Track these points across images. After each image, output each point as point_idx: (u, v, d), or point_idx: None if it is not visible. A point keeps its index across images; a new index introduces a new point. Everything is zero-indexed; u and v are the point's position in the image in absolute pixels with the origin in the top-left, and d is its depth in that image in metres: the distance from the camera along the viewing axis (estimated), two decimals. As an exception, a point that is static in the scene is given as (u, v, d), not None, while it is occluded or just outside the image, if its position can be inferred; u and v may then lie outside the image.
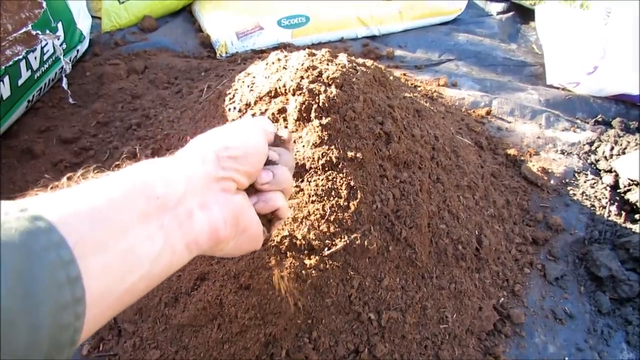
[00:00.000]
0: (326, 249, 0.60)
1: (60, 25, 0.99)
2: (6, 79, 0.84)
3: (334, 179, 0.62)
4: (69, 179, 0.34)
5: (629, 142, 1.05)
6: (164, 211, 0.34)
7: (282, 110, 0.65)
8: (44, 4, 0.90)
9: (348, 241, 0.60)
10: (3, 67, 0.81)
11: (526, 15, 1.54)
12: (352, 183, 0.62)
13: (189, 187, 0.37)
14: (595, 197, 0.93)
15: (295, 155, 0.63)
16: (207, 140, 0.40)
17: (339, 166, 0.62)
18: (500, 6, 1.57)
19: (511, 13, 1.54)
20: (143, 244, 0.32)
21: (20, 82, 0.88)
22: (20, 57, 0.85)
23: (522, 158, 0.98)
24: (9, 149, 0.88)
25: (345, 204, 0.61)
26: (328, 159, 0.62)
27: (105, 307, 0.30)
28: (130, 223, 0.32)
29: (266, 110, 0.66)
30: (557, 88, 1.24)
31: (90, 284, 0.28)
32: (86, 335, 0.29)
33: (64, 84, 1.00)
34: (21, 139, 0.91)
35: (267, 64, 0.73)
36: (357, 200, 0.61)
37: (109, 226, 0.31)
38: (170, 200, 0.35)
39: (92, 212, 0.30)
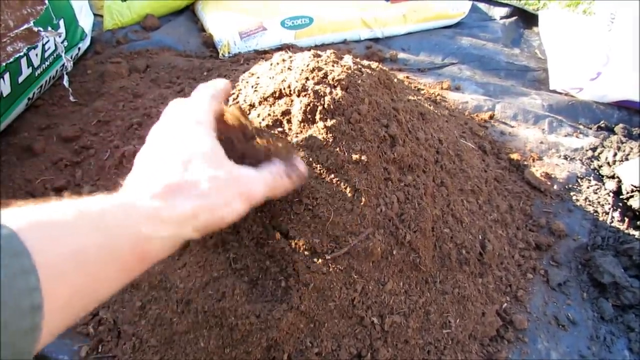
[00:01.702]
0: (330, 252, 0.60)
1: (62, 22, 0.98)
2: (6, 76, 0.83)
3: (338, 182, 0.61)
4: (46, 197, 0.35)
5: (631, 149, 1.05)
6: (142, 267, 0.37)
7: (287, 112, 0.64)
8: (46, 1, 0.89)
9: (352, 244, 0.60)
10: (4, 64, 0.81)
11: (529, 20, 1.54)
12: (356, 186, 0.61)
13: (173, 248, 0.40)
14: (598, 203, 0.92)
15: (301, 157, 0.63)
16: (185, 208, 0.40)
17: (344, 169, 0.61)
18: (504, 11, 1.57)
19: (514, 18, 1.54)
20: (111, 288, 0.36)
21: (20, 79, 0.87)
22: (22, 54, 0.85)
23: (525, 163, 0.98)
24: (8, 146, 0.88)
25: (350, 207, 0.61)
26: (332, 161, 0.61)
27: (62, 326, 0.33)
28: (109, 275, 0.34)
29: (269, 112, 0.65)
30: (560, 93, 1.24)
31: (51, 313, 0.30)
32: (45, 342, 0.31)
33: (65, 82, 0.99)
34: (21, 137, 0.90)
35: (271, 65, 0.73)
36: (362, 204, 0.61)
37: (87, 275, 0.32)
38: (153, 259, 0.38)
39: (75, 253, 0.31)
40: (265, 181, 0.47)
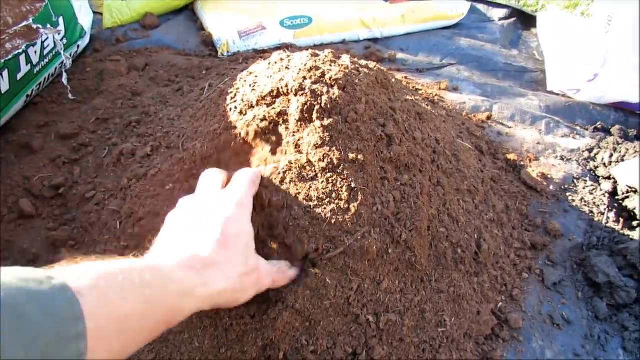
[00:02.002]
0: (326, 251, 0.60)
1: (61, 20, 0.99)
2: (5, 73, 0.83)
3: (335, 181, 0.61)
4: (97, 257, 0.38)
5: (627, 150, 1.05)
6: (167, 327, 0.40)
7: (284, 111, 0.65)
8: (46, -1, 0.90)
9: (348, 244, 0.60)
10: (2, 61, 0.81)
11: (528, 21, 1.55)
12: (353, 185, 0.61)
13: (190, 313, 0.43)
14: (594, 203, 0.93)
15: (298, 156, 0.63)
16: (218, 286, 0.44)
17: (340, 168, 0.62)
18: (503, 12, 1.57)
19: (513, 19, 1.55)
20: (139, 345, 0.38)
21: (19, 76, 0.88)
22: (20, 51, 0.85)
23: (522, 163, 0.98)
24: (7, 144, 0.88)
25: (346, 206, 0.61)
26: (329, 160, 0.62)
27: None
28: (140, 341, 0.37)
29: (267, 111, 0.66)
30: (558, 94, 1.24)
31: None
32: None
33: (64, 80, 0.99)
34: (19, 134, 0.90)
35: (269, 64, 0.73)
36: (358, 203, 0.61)
37: (126, 341, 0.35)
38: (174, 324, 0.41)
39: (120, 323, 0.35)
40: (272, 275, 0.53)
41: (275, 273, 0.54)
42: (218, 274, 0.44)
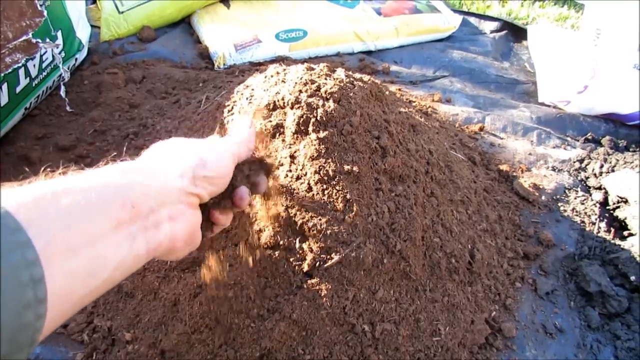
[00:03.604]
0: (322, 261, 0.61)
1: (59, 33, 1.00)
2: (4, 86, 0.84)
3: (330, 192, 0.63)
4: (46, 175, 0.34)
5: (617, 160, 1.08)
6: (136, 220, 0.35)
7: (280, 124, 0.66)
8: (45, 13, 0.91)
9: (343, 254, 0.61)
10: (2, 75, 0.82)
11: (519, 34, 1.58)
12: (348, 196, 0.63)
13: (163, 198, 0.38)
14: (585, 213, 0.95)
15: (294, 168, 0.64)
16: (185, 153, 0.42)
17: (336, 179, 0.63)
18: (494, 25, 1.60)
19: (504, 32, 1.58)
20: (111, 251, 0.33)
21: (18, 89, 0.89)
22: (20, 64, 0.86)
23: (514, 174, 1.00)
24: (5, 156, 0.88)
25: (341, 216, 0.62)
26: (325, 172, 0.63)
27: (66, 308, 0.31)
28: (102, 231, 0.32)
29: (264, 124, 0.67)
30: (549, 106, 1.27)
31: (54, 286, 0.28)
32: (45, 335, 0.29)
33: (62, 92, 1.00)
34: (18, 146, 0.91)
35: (265, 77, 0.74)
36: (353, 214, 0.62)
37: (81, 232, 0.31)
38: (144, 210, 0.36)
39: (66, 215, 0.30)
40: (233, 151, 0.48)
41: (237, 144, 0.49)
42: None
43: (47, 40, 0.93)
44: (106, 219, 0.33)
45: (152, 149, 0.43)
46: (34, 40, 0.88)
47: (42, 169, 0.36)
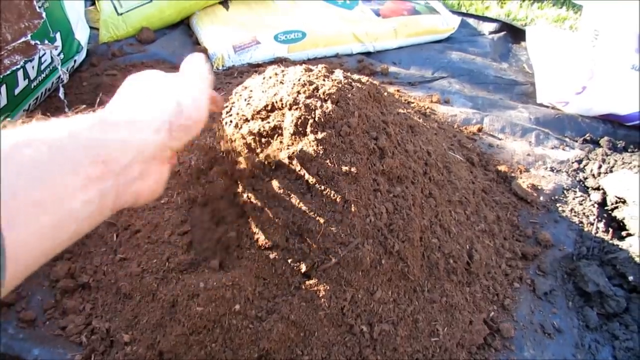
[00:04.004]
0: (320, 262, 0.61)
1: (58, 35, 1.00)
2: (3, 88, 0.84)
3: (329, 193, 0.63)
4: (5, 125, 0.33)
5: (616, 161, 1.08)
6: (107, 177, 0.34)
7: (279, 125, 0.66)
8: (44, 15, 0.91)
9: (341, 255, 0.61)
10: (1, 76, 0.82)
11: (517, 35, 1.58)
12: (346, 197, 0.63)
13: (138, 156, 0.37)
14: (584, 214, 0.95)
15: (292, 169, 0.64)
16: (162, 98, 0.40)
17: (334, 180, 0.63)
18: (493, 26, 1.61)
19: (503, 33, 1.58)
20: (79, 207, 0.32)
21: (17, 91, 0.89)
22: (18, 66, 0.86)
23: (513, 174, 1.00)
24: (3, 157, 0.88)
25: (339, 217, 0.62)
26: (323, 173, 0.63)
27: (31, 261, 0.30)
28: (72, 187, 0.31)
29: (262, 125, 0.67)
30: (547, 107, 1.27)
31: (17, 239, 0.28)
32: (10, 286, 0.28)
33: (61, 94, 1.00)
34: (16, 148, 0.91)
35: (264, 78, 0.75)
36: (351, 214, 0.62)
37: (49, 188, 0.30)
38: (116, 167, 0.35)
39: (35, 168, 0.29)
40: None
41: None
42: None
43: (46, 42, 0.93)
44: (76, 175, 0.32)
45: (126, 89, 0.41)
46: (32, 42, 0.88)
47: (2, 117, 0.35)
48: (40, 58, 0.93)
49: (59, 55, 1.01)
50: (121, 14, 1.28)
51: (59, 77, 1.02)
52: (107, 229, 0.73)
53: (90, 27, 1.23)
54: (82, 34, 1.13)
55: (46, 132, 0.32)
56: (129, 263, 0.68)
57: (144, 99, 0.40)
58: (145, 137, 0.38)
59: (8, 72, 0.83)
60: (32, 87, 0.94)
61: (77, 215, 0.32)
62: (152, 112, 0.39)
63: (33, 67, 0.92)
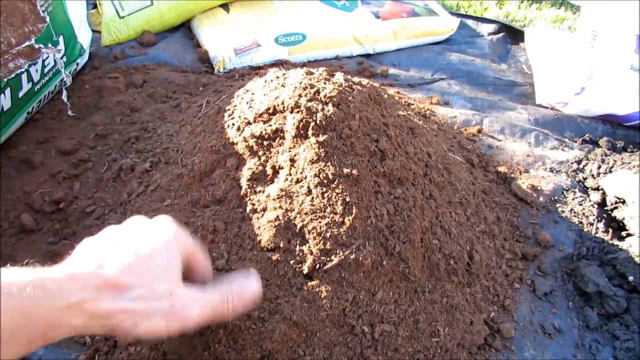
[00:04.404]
0: (322, 263, 0.62)
1: (61, 39, 1.01)
2: (7, 91, 0.85)
3: (330, 195, 0.63)
4: None
5: (615, 161, 1.08)
6: (43, 343, 0.37)
7: (280, 128, 0.67)
8: (47, 19, 0.92)
9: (343, 256, 0.62)
10: (5, 80, 0.83)
11: (516, 36, 1.59)
12: (347, 199, 0.63)
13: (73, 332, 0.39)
14: (583, 214, 0.95)
15: (294, 172, 0.65)
16: (109, 307, 0.40)
17: (335, 182, 0.64)
18: (492, 27, 1.62)
19: (502, 34, 1.59)
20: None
21: (20, 94, 0.90)
22: (23, 70, 0.87)
23: (512, 175, 1.01)
24: (7, 159, 0.89)
25: (341, 219, 0.63)
26: (324, 175, 0.64)
27: None
28: (16, 347, 0.35)
29: (264, 128, 0.68)
30: (546, 107, 1.28)
31: None
32: None
33: (64, 96, 1.01)
34: (20, 150, 0.92)
35: (265, 82, 0.75)
36: (352, 216, 0.63)
37: None
38: (53, 339, 0.38)
39: None
40: (206, 304, 0.46)
41: (217, 301, 0.47)
42: (115, 294, 0.39)
43: (50, 45, 0.94)
44: (22, 344, 0.35)
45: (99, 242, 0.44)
46: (36, 46, 0.89)
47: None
48: (43, 61, 0.94)
49: (62, 58, 1.02)
50: (123, 17, 1.29)
51: (61, 80, 1.03)
52: (111, 231, 0.74)
53: (93, 31, 1.24)
54: (84, 37, 1.14)
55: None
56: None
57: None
58: (91, 327, 0.39)
59: (12, 75, 0.84)
60: (36, 90, 0.94)
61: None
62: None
63: (37, 71, 0.92)
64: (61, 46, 1.01)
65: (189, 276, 0.49)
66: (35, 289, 0.36)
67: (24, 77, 0.88)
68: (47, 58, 0.95)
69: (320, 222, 0.62)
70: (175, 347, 0.61)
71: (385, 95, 0.83)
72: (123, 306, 0.40)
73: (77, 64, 1.12)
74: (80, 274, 0.39)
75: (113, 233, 0.45)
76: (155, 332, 0.42)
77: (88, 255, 0.42)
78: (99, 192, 0.82)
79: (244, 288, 0.49)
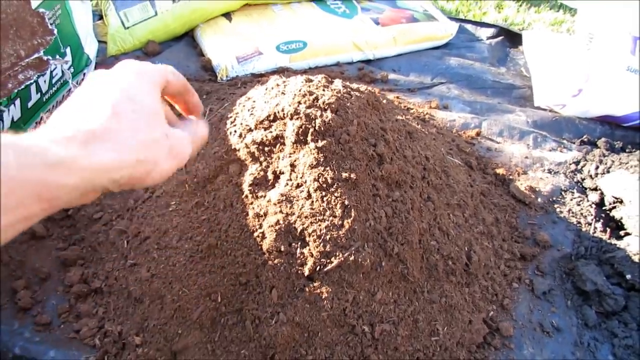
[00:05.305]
0: (322, 265, 0.63)
1: (68, 50, 1.04)
2: (17, 102, 0.88)
3: (329, 199, 0.65)
4: None
5: (613, 162, 1.09)
6: (45, 212, 0.34)
7: (281, 134, 0.69)
8: (55, 31, 0.95)
9: (343, 258, 0.64)
10: (15, 91, 0.86)
11: (515, 39, 1.61)
12: (346, 202, 0.65)
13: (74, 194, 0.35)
14: (582, 214, 0.97)
15: (294, 177, 0.67)
16: (104, 158, 0.36)
17: (334, 186, 0.66)
18: (490, 31, 1.63)
19: (500, 38, 1.61)
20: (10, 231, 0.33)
21: (30, 104, 0.92)
22: (32, 81, 0.90)
23: (511, 177, 1.02)
24: (17, 169, 0.92)
25: (340, 222, 0.65)
26: (324, 179, 0.66)
27: None
28: (10, 213, 0.32)
29: (265, 134, 0.70)
30: (544, 110, 1.29)
31: None
32: None
33: (71, 106, 1.04)
34: (29, 159, 0.94)
35: (266, 89, 0.78)
36: (351, 219, 0.65)
37: None
38: (55, 207, 0.35)
39: None
40: (191, 142, 0.45)
41: (194, 138, 0.46)
42: (108, 144, 0.36)
43: (57, 57, 0.97)
44: (16, 215, 0.32)
45: (71, 103, 0.39)
46: (45, 58, 0.91)
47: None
48: (51, 72, 0.97)
49: (69, 69, 1.05)
50: (128, 27, 1.32)
51: (69, 90, 1.06)
52: (119, 236, 0.76)
53: (99, 41, 1.27)
54: (91, 48, 1.17)
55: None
56: (139, 268, 0.71)
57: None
58: (93, 183, 0.36)
59: (22, 86, 0.87)
60: (44, 100, 0.97)
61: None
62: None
63: (45, 81, 0.95)
64: (68, 57, 1.04)
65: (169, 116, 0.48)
66: (17, 154, 0.32)
67: (33, 87, 0.91)
68: (55, 69, 0.98)
69: (320, 225, 0.64)
70: (181, 347, 0.63)
71: (384, 101, 0.85)
72: (124, 156, 0.37)
73: (84, 74, 1.15)
74: (61, 136, 0.35)
75: (81, 93, 0.41)
76: (164, 177, 0.41)
77: (62, 119, 0.38)
78: (106, 199, 0.85)
79: (204, 129, 0.49)
